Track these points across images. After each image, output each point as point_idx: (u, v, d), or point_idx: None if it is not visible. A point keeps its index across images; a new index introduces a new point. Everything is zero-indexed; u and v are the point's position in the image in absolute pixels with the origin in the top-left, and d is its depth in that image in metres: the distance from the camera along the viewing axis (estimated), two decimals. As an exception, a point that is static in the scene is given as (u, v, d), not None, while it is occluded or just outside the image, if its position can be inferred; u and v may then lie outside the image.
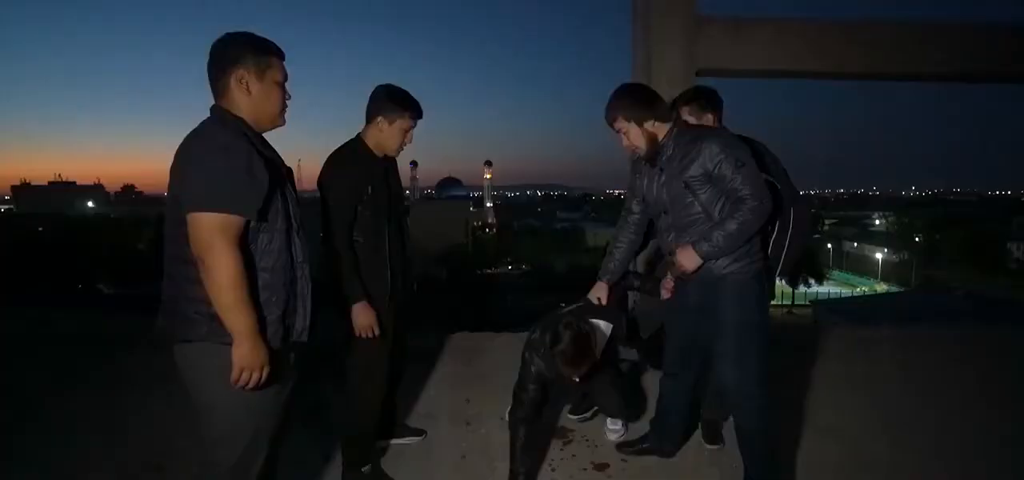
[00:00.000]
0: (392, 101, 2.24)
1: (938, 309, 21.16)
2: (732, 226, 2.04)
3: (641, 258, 2.81)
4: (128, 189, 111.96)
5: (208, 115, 1.61)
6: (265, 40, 1.63)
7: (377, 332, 2.24)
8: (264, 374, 1.56)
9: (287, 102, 1.67)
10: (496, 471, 2.52)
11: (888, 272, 49.92)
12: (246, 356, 1.51)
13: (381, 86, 2.28)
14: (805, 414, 2.97)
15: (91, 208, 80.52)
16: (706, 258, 2.08)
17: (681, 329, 2.37)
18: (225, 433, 1.60)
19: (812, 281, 41.89)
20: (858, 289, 45.19)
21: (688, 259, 2.11)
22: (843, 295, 36.87)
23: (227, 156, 1.48)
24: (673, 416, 2.52)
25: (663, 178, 2.18)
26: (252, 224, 1.54)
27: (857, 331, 4.68)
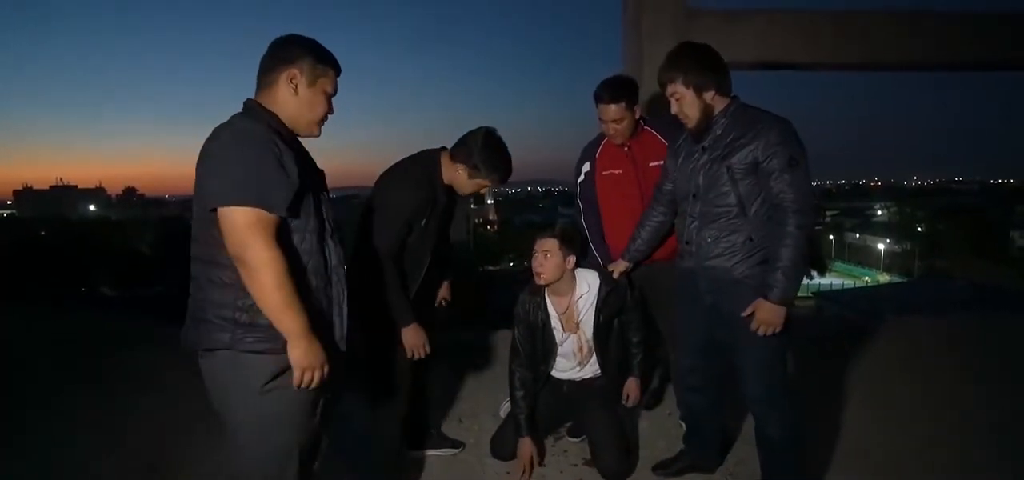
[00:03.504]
0: (486, 162, 2.12)
1: (940, 298, 21.10)
2: (786, 258, 1.82)
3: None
4: (129, 192, 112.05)
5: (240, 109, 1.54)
6: (327, 50, 1.59)
7: (428, 350, 2.21)
8: (326, 371, 1.49)
9: (328, 115, 1.62)
10: (487, 468, 2.53)
11: (890, 262, 49.77)
12: (303, 356, 1.44)
13: (486, 136, 2.13)
14: (811, 409, 2.94)
15: (93, 211, 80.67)
16: (787, 302, 1.87)
17: (694, 323, 2.17)
18: (253, 447, 1.51)
19: (814, 273, 41.84)
20: (863, 280, 45.10)
21: (776, 316, 1.87)
22: (846, 286, 36.86)
23: (256, 148, 1.41)
24: (706, 427, 2.33)
25: (703, 158, 1.98)
26: (284, 222, 1.45)
27: (859, 321, 4.66)
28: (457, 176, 2.17)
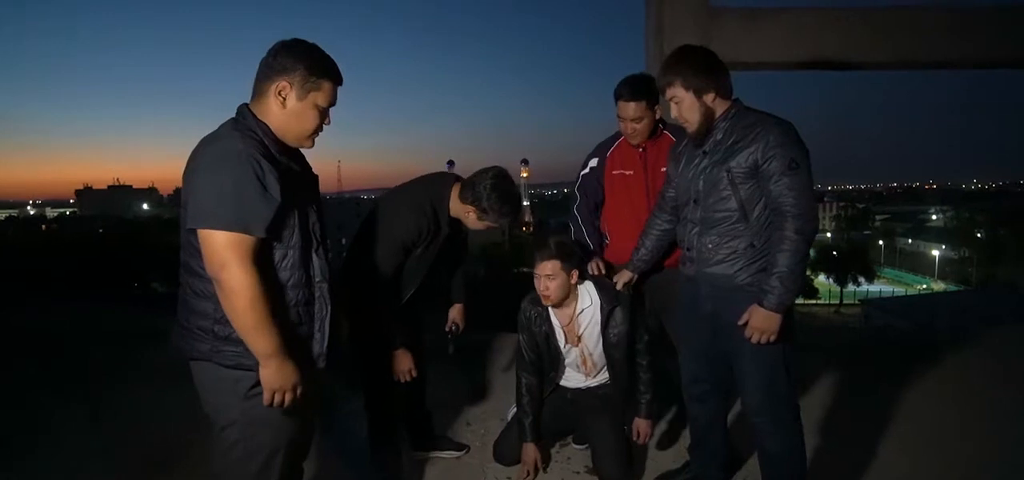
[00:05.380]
0: (494, 207, 2.13)
1: (999, 308, 19.87)
2: (783, 264, 1.77)
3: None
4: (180, 191, 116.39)
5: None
6: (325, 61, 1.52)
7: (414, 375, 2.27)
8: (298, 392, 1.49)
9: (323, 127, 1.56)
10: (488, 472, 2.52)
11: (945, 270, 47.47)
12: (274, 377, 1.45)
13: (494, 181, 2.14)
14: (830, 422, 2.83)
15: (146, 210, 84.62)
16: (783, 310, 1.81)
17: (696, 332, 2.12)
18: (238, 447, 1.53)
19: (861, 279, 40.26)
20: (917, 288, 43.19)
21: (770, 323, 1.81)
22: (896, 293, 35.30)
23: (237, 170, 1.39)
24: (711, 439, 2.25)
25: (704, 163, 1.93)
26: (265, 240, 1.45)
27: (906, 330, 4.43)
28: (466, 215, 2.21)
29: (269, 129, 1.50)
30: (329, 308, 1.59)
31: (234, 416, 1.52)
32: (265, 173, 1.42)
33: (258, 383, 1.48)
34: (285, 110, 1.50)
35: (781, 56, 3.87)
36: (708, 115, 1.90)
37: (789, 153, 1.78)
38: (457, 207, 2.21)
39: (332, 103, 1.56)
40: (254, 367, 1.46)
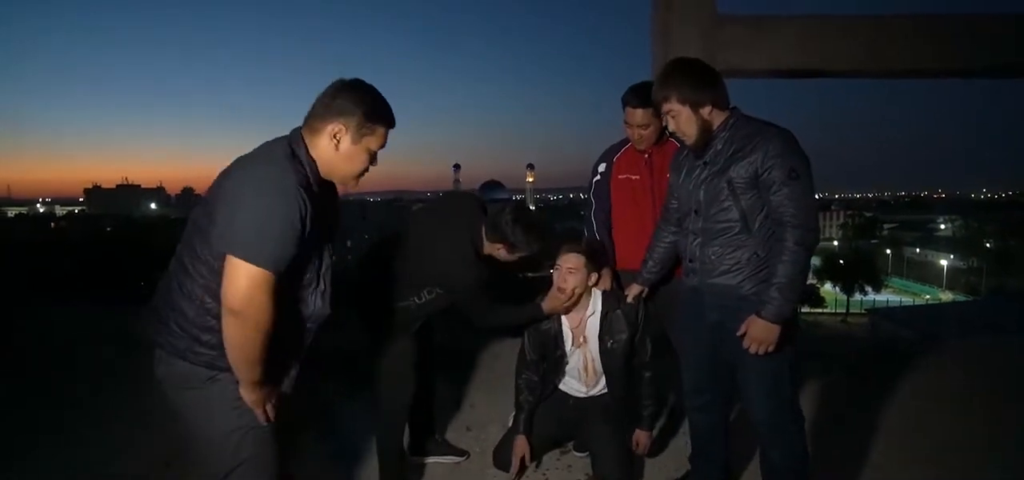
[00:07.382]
0: (523, 241, 2.19)
1: (1008, 318, 19.62)
2: (782, 275, 1.76)
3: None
4: (187, 191, 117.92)
5: (289, 134, 1.51)
6: (382, 107, 1.52)
7: None
8: (269, 410, 1.51)
9: (368, 169, 1.57)
10: (488, 478, 2.50)
11: (954, 279, 47.05)
12: (251, 400, 1.48)
13: (515, 217, 2.19)
14: (833, 434, 2.81)
15: (154, 209, 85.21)
16: (782, 320, 1.80)
17: (698, 344, 2.10)
18: (214, 455, 1.53)
19: (868, 288, 40.00)
20: (925, 298, 42.85)
21: (769, 334, 1.80)
22: (904, 303, 35.02)
23: (287, 207, 1.36)
24: (712, 449, 2.24)
25: (704, 173, 1.92)
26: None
27: (914, 340, 4.37)
28: (496, 252, 2.26)
29: (316, 165, 1.49)
30: (306, 345, 1.59)
31: (205, 420, 1.51)
32: (307, 213, 1.40)
33: (235, 384, 1.48)
34: (338, 153, 1.50)
35: (787, 63, 3.84)
36: (706, 128, 1.90)
37: (789, 162, 1.77)
38: (487, 246, 2.26)
39: (382, 146, 1.56)
40: (228, 368, 1.45)
